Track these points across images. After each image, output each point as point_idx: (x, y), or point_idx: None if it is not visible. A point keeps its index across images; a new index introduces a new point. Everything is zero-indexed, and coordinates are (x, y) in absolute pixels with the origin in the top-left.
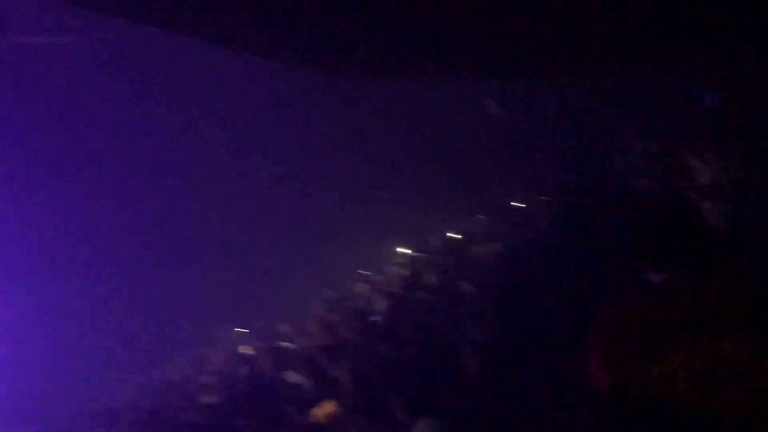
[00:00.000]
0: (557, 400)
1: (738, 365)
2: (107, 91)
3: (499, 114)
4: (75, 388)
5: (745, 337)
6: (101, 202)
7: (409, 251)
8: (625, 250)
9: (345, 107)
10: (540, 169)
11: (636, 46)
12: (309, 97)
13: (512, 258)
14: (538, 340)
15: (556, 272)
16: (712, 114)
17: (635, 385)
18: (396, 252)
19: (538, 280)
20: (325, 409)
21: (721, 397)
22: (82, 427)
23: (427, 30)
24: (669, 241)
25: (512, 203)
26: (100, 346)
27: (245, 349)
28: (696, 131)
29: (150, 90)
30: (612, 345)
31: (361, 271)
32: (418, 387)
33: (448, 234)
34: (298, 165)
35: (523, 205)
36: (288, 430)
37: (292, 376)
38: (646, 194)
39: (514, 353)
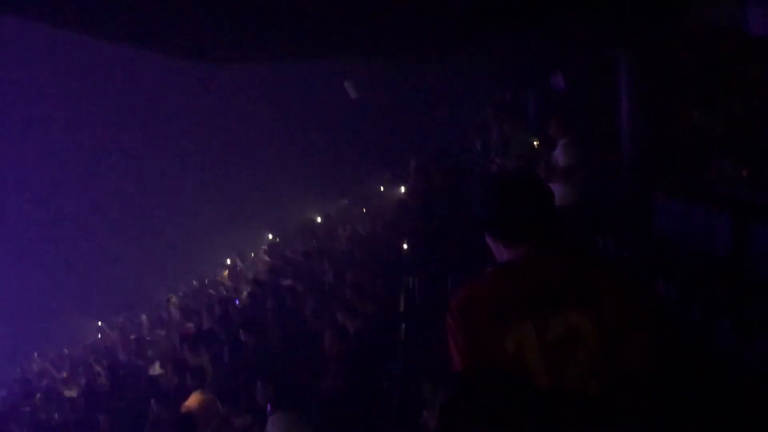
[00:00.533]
0: (417, 381)
1: (586, 338)
2: None
3: (359, 97)
4: None
5: (593, 309)
6: None
7: (273, 236)
8: (479, 229)
9: (207, 93)
10: (402, 152)
11: (489, 29)
12: (170, 84)
13: (373, 240)
14: (398, 321)
15: (416, 254)
16: (560, 95)
17: (489, 362)
18: (260, 237)
19: (399, 262)
20: (193, 401)
21: (571, 370)
22: None
23: (285, 14)
24: (517, 217)
25: (375, 186)
26: None
27: (106, 342)
28: (548, 112)
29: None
30: (466, 322)
31: (225, 258)
32: (281, 372)
33: (312, 218)
34: (161, 152)
35: (384, 188)
36: (149, 422)
37: (154, 368)
38: (498, 173)
39: (375, 335)
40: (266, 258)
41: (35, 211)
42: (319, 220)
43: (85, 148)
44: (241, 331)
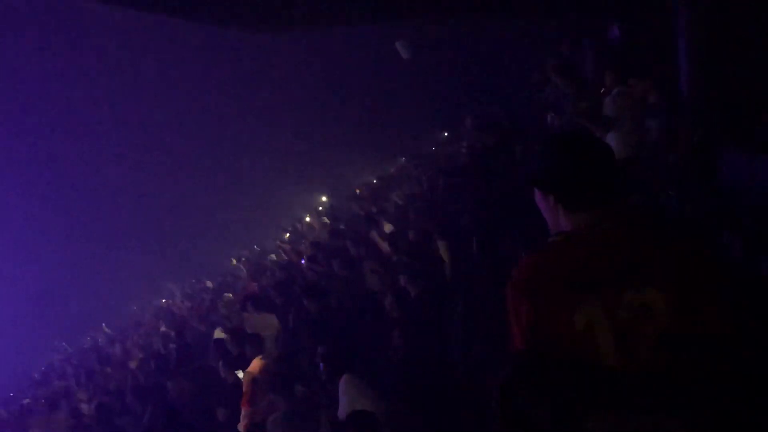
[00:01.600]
0: (477, 347)
1: (659, 312)
2: None
3: (412, 58)
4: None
5: (665, 282)
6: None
7: (331, 199)
8: (542, 189)
9: (259, 59)
10: (457, 111)
11: None
12: (221, 52)
13: (430, 201)
14: (456, 285)
15: (473, 215)
16: (617, 47)
17: (554, 338)
18: (318, 200)
19: (456, 224)
20: (255, 366)
21: (642, 345)
22: (7, 395)
23: None
24: (584, 178)
25: (430, 146)
26: (27, 312)
27: (174, 308)
28: (604, 65)
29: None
30: (531, 296)
31: (284, 222)
32: (343, 337)
33: (368, 179)
34: (217, 123)
35: (440, 148)
36: (216, 387)
37: (219, 333)
38: (561, 132)
39: (436, 299)
40: (325, 220)
41: (105, 182)
42: (375, 181)
43: (143, 118)
44: (303, 296)
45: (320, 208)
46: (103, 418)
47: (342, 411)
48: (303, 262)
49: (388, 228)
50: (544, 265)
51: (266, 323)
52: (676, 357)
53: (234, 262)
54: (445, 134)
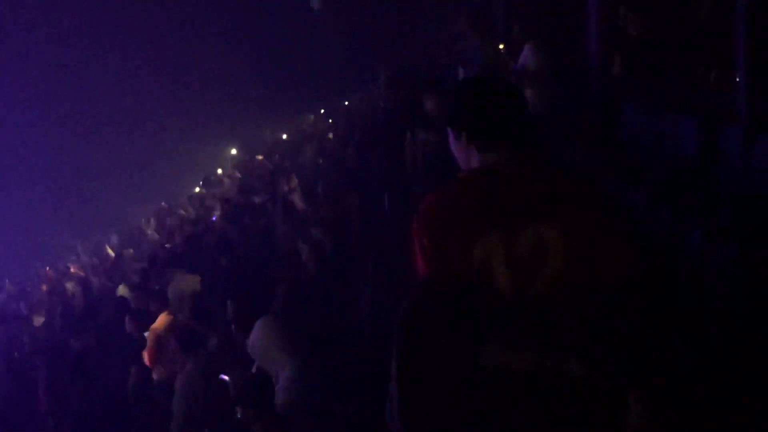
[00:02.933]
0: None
1: (554, 250)
2: None
3: (324, 10)
4: None
5: (562, 221)
6: None
7: (241, 153)
8: (454, 127)
9: (165, 9)
10: (372, 65)
11: None
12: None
13: (342, 155)
14: (367, 233)
15: (384, 165)
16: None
17: (454, 272)
18: (228, 154)
19: (368, 180)
20: (160, 323)
21: (537, 283)
22: None
23: None
24: (494, 117)
25: (342, 101)
26: None
27: (76, 267)
28: (515, 19)
29: None
30: (432, 229)
31: (194, 176)
32: (255, 291)
33: (279, 133)
34: (122, 75)
35: (352, 103)
36: (124, 344)
37: (125, 290)
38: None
39: (347, 249)
40: (236, 175)
41: (5, 128)
42: (285, 136)
43: (44, 68)
44: (214, 252)
45: (231, 163)
46: (14, 370)
47: (253, 351)
48: (213, 219)
49: (299, 183)
50: (448, 200)
51: (188, 281)
52: (570, 294)
53: (150, 221)
54: (358, 90)
